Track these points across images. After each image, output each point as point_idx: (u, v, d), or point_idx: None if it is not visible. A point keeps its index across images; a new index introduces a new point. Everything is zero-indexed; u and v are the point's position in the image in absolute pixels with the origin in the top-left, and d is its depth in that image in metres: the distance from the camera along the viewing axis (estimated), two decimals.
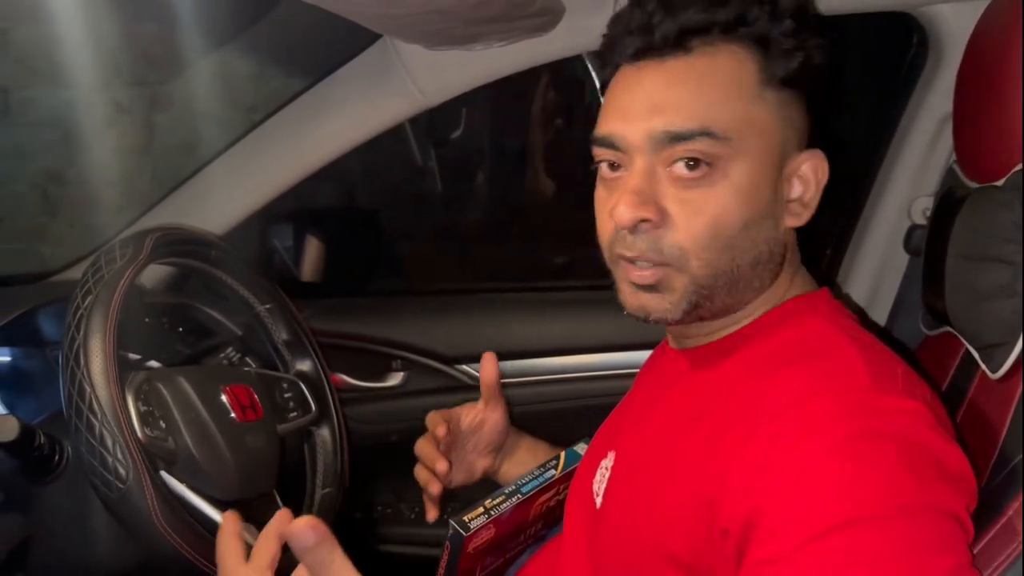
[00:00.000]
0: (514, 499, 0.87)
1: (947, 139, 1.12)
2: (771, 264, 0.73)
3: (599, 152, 0.74)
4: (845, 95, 1.35)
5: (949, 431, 0.62)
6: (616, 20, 0.75)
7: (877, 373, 0.63)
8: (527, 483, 0.90)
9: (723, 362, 0.74)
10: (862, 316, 1.08)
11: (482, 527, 0.84)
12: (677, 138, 0.68)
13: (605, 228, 0.74)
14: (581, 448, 0.95)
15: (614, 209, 0.70)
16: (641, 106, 0.70)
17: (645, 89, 0.70)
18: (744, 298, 0.73)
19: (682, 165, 0.69)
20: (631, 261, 0.72)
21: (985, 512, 0.62)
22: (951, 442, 0.61)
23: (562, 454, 0.95)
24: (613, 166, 0.73)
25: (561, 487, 0.94)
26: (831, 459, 0.58)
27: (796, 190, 0.73)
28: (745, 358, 0.72)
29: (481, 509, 0.85)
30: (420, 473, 0.96)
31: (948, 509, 0.58)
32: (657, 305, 0.72)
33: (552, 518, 0.97)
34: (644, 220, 0.69)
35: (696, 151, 0.68)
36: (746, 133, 0.69)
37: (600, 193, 0.76)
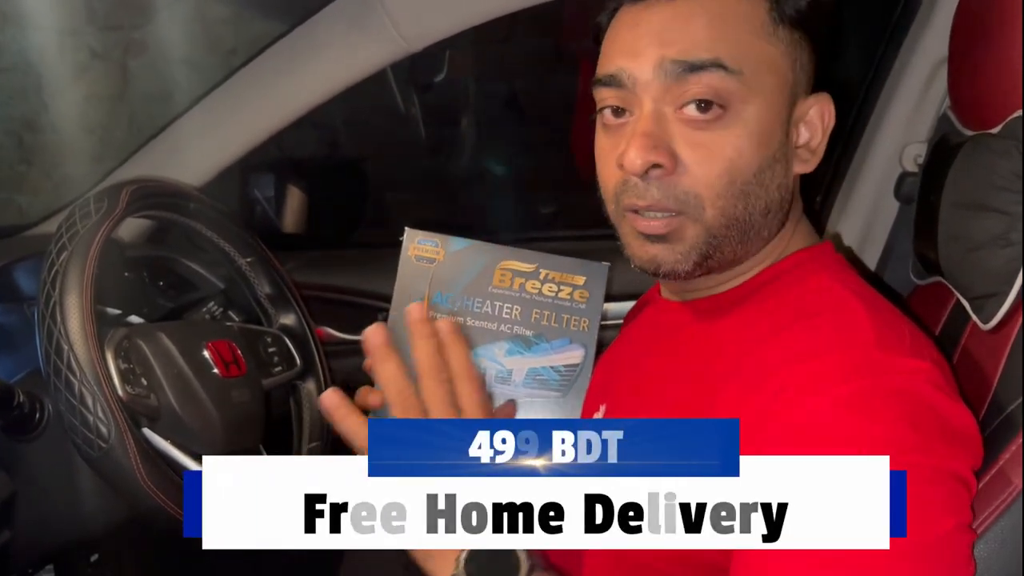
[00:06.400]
0: None
1: (941, 84, 1.10)
2: (780, 212, 0.71)
3: (603, 95, 0.70)
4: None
5: (956, 391, 0.62)
6: None
7: (884, 332, 0.62)
8: None
9: (726, 316, 0.72)
10: (859, 267, 1.07)
11: None
12: (689, 68, 0.64)
13: (611, 178, 0.70)
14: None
15: (623, 155, 0.66)
16: (650, 39, 0.66)
17: (653, 24, 0.67)
18: (752, 248, 0.71)
19: (693, 107, 0.65)
20: (640, 212, 0.68)
21: None
22: (957, 401, 0.60)
23: None
24: (618, 111, 0.69)
25: None
26: (834, 415, 0.57)
27: (803, 135, 0.70)
28: (749, 313, 0.70)
29: None
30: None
31: (952, 469, 0.57)
32: (668, 256, 0.69)
33: None
34: (656, 166, 0.65)
35: (709, 87, 0.64)
36: (759, 70, 0.66)
37: (603, 142, 0.72)
